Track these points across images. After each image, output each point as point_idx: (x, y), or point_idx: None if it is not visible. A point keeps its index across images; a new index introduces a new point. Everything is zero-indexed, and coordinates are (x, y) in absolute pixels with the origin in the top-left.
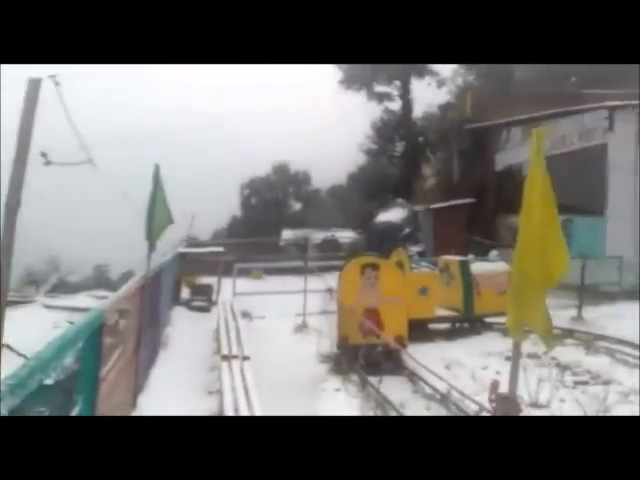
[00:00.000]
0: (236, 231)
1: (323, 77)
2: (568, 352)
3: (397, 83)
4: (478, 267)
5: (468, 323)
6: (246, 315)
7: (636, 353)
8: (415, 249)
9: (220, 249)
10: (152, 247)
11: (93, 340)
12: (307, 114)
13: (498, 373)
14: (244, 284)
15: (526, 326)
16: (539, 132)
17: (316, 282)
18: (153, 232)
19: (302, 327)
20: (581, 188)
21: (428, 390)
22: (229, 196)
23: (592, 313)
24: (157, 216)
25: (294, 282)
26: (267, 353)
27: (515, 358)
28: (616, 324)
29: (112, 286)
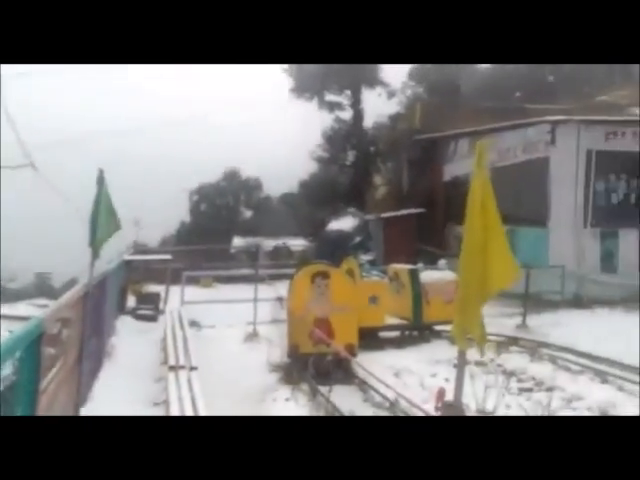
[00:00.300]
0: (185, 238)
1: (274, 85)
2: (513, 359)
3: (348, 93)
4: (427, 276)
5: (417, 331)
6: (195, 324)
7: (578, 360)
8: (366, 258)
9: (168, 256)
10: (96, 254)
11: (32, 350)
12: (258, 121)
13: (447, 380)
14: (193, 292)
15: (470, 334)
16: (482, 145)
17: (267, 290)
18: (97, 238)
19: (252, 336)
20: (525, 199)
21: (378, 398)
22: (177, 202)
23: (536, 321)
24: (101, 222)
25: (245, 290)
26: (216, 363)
27: (460, 366)
28: (558, 332)
29: (54, 294)
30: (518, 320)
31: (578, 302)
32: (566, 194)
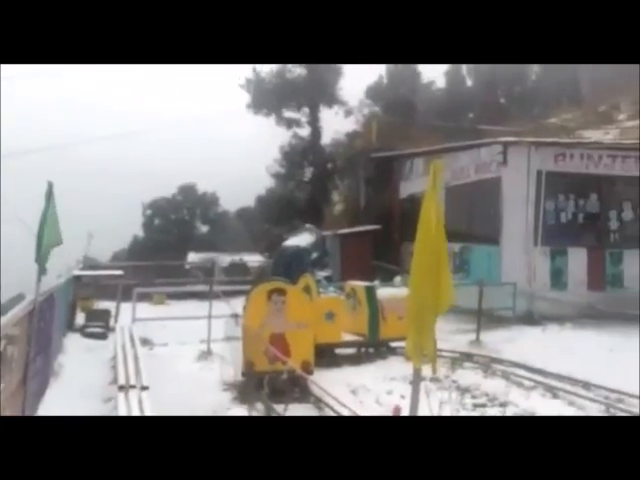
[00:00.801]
0: (138, 253)
1: (232, 101)
2: (467, 375)
3: (306, 110)
4: (383, 292)
5: (374, 348)
6: (146, 342)
7: (529, 375)
8: (323, 274)
9: (119, 272)
10: (42, 269)
11: None
12: (216, 136)
13: (403, 397)
14: (145, 309)
15: (423, 351)
16: (437, 165)
17: (222, 307)
18: (42, 253)
19: (206, 354)
20: (478, 218)
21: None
22: (131, 216)
23: (489, 337)
24: (46, 236)
25: (199, 307)
26: (168, 382)
27: (415, 383)
28: (511, 347)
29: None
30: (472, 336)
31: (529, 318)
32: (517, 213)
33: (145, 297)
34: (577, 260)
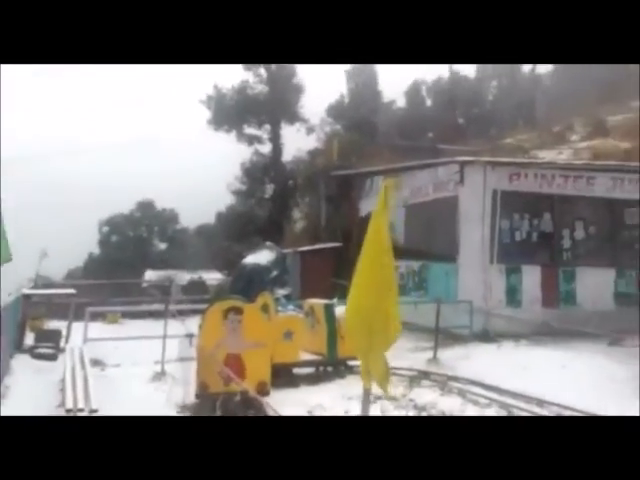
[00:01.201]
0: (93, 271)
1: (192, 116)
2: (424, 393)
3: (267, 127)
4: (342, 310)
5: (332, 367)
6: (98, 363)
7: (485, 393)
8: (282, 292)
9: (71, 290)
10: None
11: None
12: (176, 152)
13: None
14: (99, 329)
15: (372, 372)
16: (388, 183)
17: (178, 326)
18: None
19: (160, 375)
20: (437, 236)
21: None
22: (87, 233)
23: (446, 354)
24: None
25: (154, 326)
26: (119, 404)
27: (364, 403)
28: (467, 365)
29: None
30: (430, 354)
31: (485, 336)
32: (474, 231)
33: (99, 316)
34: (531, 278)
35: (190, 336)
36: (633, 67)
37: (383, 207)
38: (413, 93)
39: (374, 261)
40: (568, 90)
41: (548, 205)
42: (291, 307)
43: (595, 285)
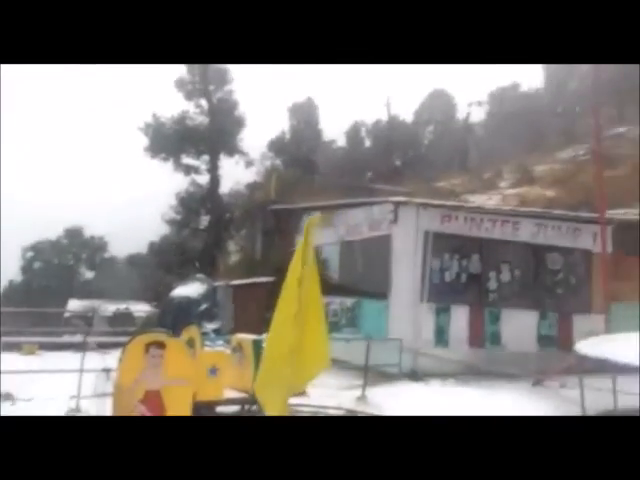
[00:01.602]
0: (13, 299)
1: (129, 142)
2: None
3: (206, 157)
4: None
5: (258, 405)
6: (8, 397)
7: None
8: (211, 326)
9: None
10: None
11: None
12: (109, 178)
13: None
14: (13, 360)
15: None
16: (311, 220)
17: (98, 360)
18: None
19: (74, 411)
20: (370, 273)
21: None
22: (8, 259)
23: (374, 392)
24: None
25: (73, 359)
26: None
27: None
28: (395, 403)
29: None
30: (359, 392)
31: (414, 375)
32: (405, 270)
33: (14, 347)
34: (459, 317)
35: (107, 370)
36: (557, 121)
37: (305, 244)
38: (353, 134)
39: (292, 297)
40: (499, 139)
41: (477, 247)
42: (220, 342)
43: (519, 327)
